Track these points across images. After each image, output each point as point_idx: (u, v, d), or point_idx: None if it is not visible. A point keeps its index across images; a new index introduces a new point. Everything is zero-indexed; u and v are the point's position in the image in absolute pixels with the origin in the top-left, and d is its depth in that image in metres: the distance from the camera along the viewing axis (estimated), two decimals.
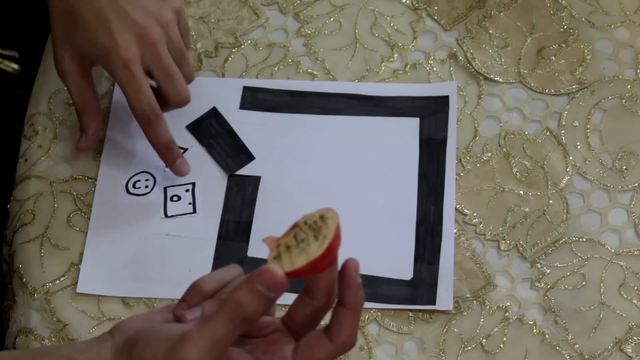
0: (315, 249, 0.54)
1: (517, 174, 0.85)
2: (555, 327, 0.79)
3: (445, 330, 0.79)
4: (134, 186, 0.86)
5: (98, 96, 0.85)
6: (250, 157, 0.87)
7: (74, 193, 0.87)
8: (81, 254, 0.84)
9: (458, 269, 0.81)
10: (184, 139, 0.87)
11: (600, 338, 0.78)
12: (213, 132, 0.88)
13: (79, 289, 0.82)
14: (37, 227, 0.85)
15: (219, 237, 0.83)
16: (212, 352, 0.55)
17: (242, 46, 0.93)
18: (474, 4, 0.93)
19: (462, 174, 0.85)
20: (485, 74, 0.90)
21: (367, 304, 0.80)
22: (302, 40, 0.93)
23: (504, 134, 0.87)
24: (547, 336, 0.78)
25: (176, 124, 0.87)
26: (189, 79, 0.84)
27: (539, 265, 0.81)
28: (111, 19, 0.79)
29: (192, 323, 0.58)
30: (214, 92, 0.90)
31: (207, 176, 0.87)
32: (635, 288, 0.80)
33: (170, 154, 0.84)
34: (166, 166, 0.85)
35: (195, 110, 0.89)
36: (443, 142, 0.86)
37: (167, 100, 0.82)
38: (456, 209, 0.84)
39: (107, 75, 0.92)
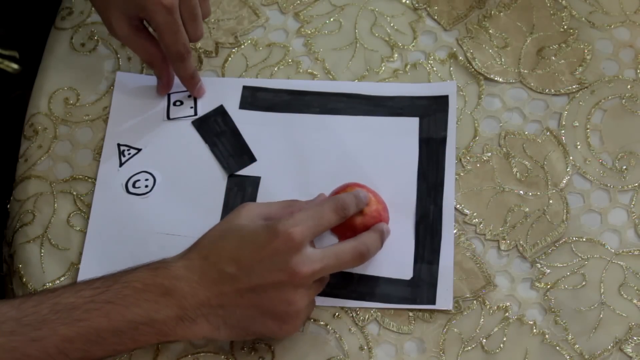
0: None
1: (517, 174, 0.85)
2: (555, 327, 0.79)
3: (445, 330, 0.79)
4: (133, 186, 0.86)
5: (159, 45, 0.87)
6: (252, 159, 0.87)
7: (74, 193, 0.87)
8: (81, 254, 0.84)
9: (458, 269, 0.81)
10: (164, 164, 0.88)
11: (600, 338, 0.78)
12: (218, 130, 0.88)
13: None
14: (37, 227, 0.85)
15: None
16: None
17: (242, 46, 0.93)
18: (474, 4, 0.93)
19: (462, 173, 0.85)
20: (485, 74, 0.90)
21: (367, 304, 0.80)
22: (302, 40, 0.93)
23: (504, 134, 0.87)
24: (547, 336, 0.78)
25: (151, 152, 0.88)
26: (206, 15, 0.88)
27: (539, 265, 0.81)
28: None
29: None
30: (214, 91, 0.91)
31: (207, 176, 0.87)
32: (635, 288, 0.80)
33: (193, 81, 0.90)
34: (189, 95, 0.91)
35: (198, 108, 0.90)
36: (442, 141, 0.86)
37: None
38: (456, 209, 0.84)
39: (107, 76, 0.92)
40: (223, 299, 0.72)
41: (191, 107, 0.90)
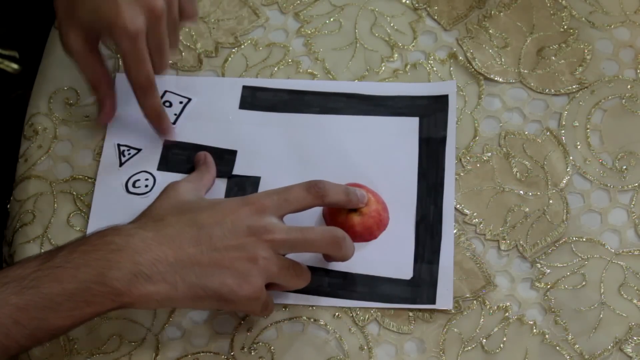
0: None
1: (517, 174, 0.85)
2: (555, 327, 0.79)
3: (445, 330, 0.79)
4: (133, 186, 0.86)
5: (108, 70, 0.86)
6: (232, 153, 0.87)
7: (74, 193, 0.87)
8: None
9: (458, 269, 0.81)
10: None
11: (600, 338, 0.78)
12: (183, 158, 0.87)
13: None
14: (37, 227, 0.85)
15: None
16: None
17: (242, 46, 0.93)
18: (474, 4, 0.93)
19: (462, 173, 0.85)
20: (485, 74, 0.90)
21: (366, 304, 0.80)
22: (302, 40, 0.93)
23: (504, 134, 0.87)
24: (547, 336, 0.78)
25: (150, 157, 0.88)
26: (174, 46, 0.86)
27: (539, 265, 0.81)
28: None
29: None
30: (214, 92, 0.90)
31: None
32: (635, 288, 0.80)
33: (160, 121, 0.87)
34: (157, 132, 0.88)
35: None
36: (442, 141, 0.86)
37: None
38: (456, 209, 0.84)
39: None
40: (182, 256, 0.71)
41: (175, 114, 0.89)
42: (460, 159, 0.86)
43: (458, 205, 0.84)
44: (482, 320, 0.79)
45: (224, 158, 0.87)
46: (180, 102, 0.90)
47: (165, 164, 0.87)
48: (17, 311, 0.68)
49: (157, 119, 0.86)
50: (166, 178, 0.86)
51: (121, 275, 0.69)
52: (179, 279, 0.71)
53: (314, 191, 0.76)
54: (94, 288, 0.69)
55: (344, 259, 0.78)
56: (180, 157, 0.87)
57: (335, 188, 0.78)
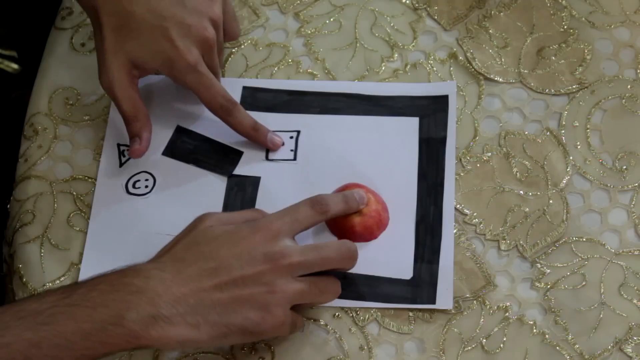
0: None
1: (517, 174, 0.85)
2: (555, 327, 0.79)
3: (445, 330, 0.79)
4: (133, 186, 0.86)
5: (142, 101, 0.85)
6: (238, 153, 0.87)
7: (74, 193, 0.87)
8: (81, 254, 0.84)
9: (458, 269, 0.81)
10: (164, 165, 0.87)
11: (600, 338, 0.78)
12: (190, 147, 0.87)
13: None
14: (37, 227, 0.85)
15: None
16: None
17: (242, 46, 0.93)
18: (474, 4, 0.93)
19: (462, 173, 0.85)
20: (485, 74, 0.90)
21: (367, 304, 0.80)
22: (302, 40, 0.93)
23: (504, 134, 0.87)
24: (547, 336, 0.78)
25: (150, 154, 0.87)
26: (221, 63, 0.88)
27: (539, 265, 0.81)
28: (168, 26, 0.81)
29: None
30: None
31: (207, 177, 0.86)
32: (635, 288, 0.80)
33: (258, 134, 0.86)
34: (266, 148, 0.87)
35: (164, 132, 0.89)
36: (442, 141, 0.86)
37: None
38: (456, 209, 0.84)
39: None
40: (202, 295, 0.70)
41: (291, 150, 0.87)
42: (460, 159, 0.86)
43: (458, 205, 0.84)
44: (482, 320, 0.79)
45: (229, 156, 0.87)
46: (291, 137, 0.88)
47: (171, 150, 0.87)
48: (30, 347, 0.66)
49: (253, 134, 0.86)
50: (166, 179, 0.86)
51: (139, 318, 0.68)
52: (201, 320, 0.70)
53: (318, 208, 0.77)
54: (110, 329, 0.68)
55: (350, 269, 0.78)
56: (187, 145, 0.87)
57: (335, 199, 0.78)
